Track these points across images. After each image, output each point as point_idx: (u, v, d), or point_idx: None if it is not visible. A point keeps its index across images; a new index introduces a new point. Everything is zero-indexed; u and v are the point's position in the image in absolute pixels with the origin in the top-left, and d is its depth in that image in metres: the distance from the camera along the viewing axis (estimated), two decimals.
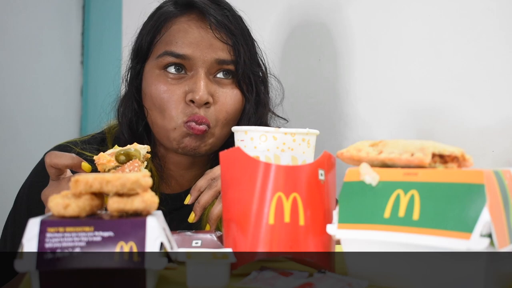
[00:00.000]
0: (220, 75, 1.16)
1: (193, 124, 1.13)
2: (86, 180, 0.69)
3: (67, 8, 2.11)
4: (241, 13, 1.23)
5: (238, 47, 1.16)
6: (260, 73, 1.22)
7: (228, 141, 1.21)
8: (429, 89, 1.28)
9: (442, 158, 0.75)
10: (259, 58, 1.24)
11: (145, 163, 0.93)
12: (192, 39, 1.15)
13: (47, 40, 2.05)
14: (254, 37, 1.24)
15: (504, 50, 1.17)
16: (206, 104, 1.14)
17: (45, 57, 2.04)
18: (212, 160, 1.24)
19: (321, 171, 0.80)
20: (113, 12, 2.07)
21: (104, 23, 2.11)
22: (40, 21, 2.03)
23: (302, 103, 1.52)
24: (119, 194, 0.70)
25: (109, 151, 0.92)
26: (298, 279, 0.73)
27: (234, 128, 0.90)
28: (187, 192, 1.23)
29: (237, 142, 0.89)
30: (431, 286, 0.70)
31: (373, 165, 0.77)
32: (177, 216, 1.17)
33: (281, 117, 1.28)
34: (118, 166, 0.91)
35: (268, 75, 1.26)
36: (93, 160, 0.91)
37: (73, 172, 0.96)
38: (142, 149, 0.92)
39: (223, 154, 0.82)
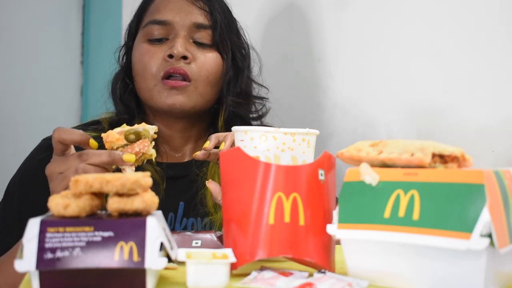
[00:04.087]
0: (199, 40, 1.24)
1: (169, 81, 1.19)
2: (86, 180, 0.70)
3: (67, 8, 2.11)
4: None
5: (215, 14, 1.25)
6: (239, 44, 1.29)
7: (214, 111, 1.28)
8: (429, 89, 1.28)
9: (442, 158, 0.75)
10: (240, 34, 1.32)
11: (153, 143, 0.93)
12: (173, 6, 1.25)
13: (47, 40, 2.05)
14: (241, 29, 1.32)
15: (504, 50, 1.17)
16: (185, 59, 1.20)
17: (45, 57, 2.04)
18: (206, 134, 1.29)
19: (321, 171, 0.80)
20: (113, 12, 2.07)
21: (104, 23, 2.11)
22: (40, 21, 2.03)
23: (302, 103, 1.52)
24: (119, 194, 0.70)
25: (118, 130, 0.92)
26: (298, 279, 0.73)
27: (234, 128, 0.90)
28: (184, 163, 1.27)
29: (237, 142, 0.89)
30: (431, 286, 0.70)
31: (373, 165, 0.77)
32: (173, 185, 1.20)
33: (262, 85, 1.34)
34: (126, 145, 0.91)
35: (250, 47, 1.33)
36: (100, 138, 0.91)
37: (79, 149, 0.95)
38: (150, 129, 0.93)
39: (223, 154, 0.82)
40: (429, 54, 1.28)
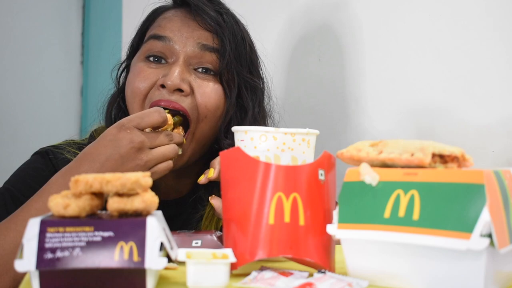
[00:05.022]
0: (200, 65, 1.10)
1: None
2: (86, 180, 0.69)
3: (67, 8, 2.11)
4: (241, 16, 1.20)
5: (224, 39, 1.10)
6: (250, 80, 1.14)
7: (212, 151, 1.14)
8: (429, 89, 1.28)
9: (442, 158, 0.75)
10: (255, 68, 1.17)
11: None
12: (176, 22, 1.12)
13: (47, 40, 2.05)
14: (256, 50, 1.19)
15: (504, 50, 1.17)
16: (181, 92, 1.07)
17: (45, 57, 2.04)
18: (204, 167, 1.16)
19: (321, 171, 0.80)
20: (113, 12, 2.07)
21: (104, 23, 2.11)
22: (40, 21, 2.03)
23: (302, 103, 1.52)
24: (119, 194, 0.70)
25: (168, 115, 1.01)
26: (298, 279, 0.73)
27: (234, 128, 0.90)
28: (180, 199, 1.19)
29: (237, 142, 0.89)
30: (431, 286, 0.70)
31: (373, 165, 0.77)
32: (168, 224, 1.13)
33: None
34: (173, 128, 1.04)
35: (265, 88, 1.19)
36: None
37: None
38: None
39: (223, 154, 0.82)
40: (429, 54, 1.28)
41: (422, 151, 0.73)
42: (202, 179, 0.99)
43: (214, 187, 1.08)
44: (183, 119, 1.08)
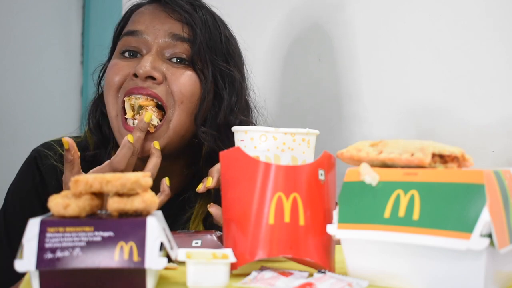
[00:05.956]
0: (173, 55, 1.10)
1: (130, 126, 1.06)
2: (86, 180, 0.70)
3: (67, 8, 2.11)
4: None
5: (194, 27, 1.10)
6: (225, 70, 1.13)
7: (193, 146, 1.13)
8: (429, 89, 1.28)
9: (442, 158, 0.75)
10: (233, 59, 1.16)
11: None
12: (147, 16, 1.12)
13: (47, 40, 2.05)
14: (238, 47, 1.19)
15: (503, 50, 1.17)
16: (153, 80, 1.06)
17: (45, 57, 2.04)
18: (188, 169, 1.15)
19: (321, 171, 0.80)
20: (113, 12, 2.07)
21: (104, 23, 2.11)
22: (40, 21, 2.03)
23: (302, 103, 1.52)
24: (119, 194, 0.70)
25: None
26: (298, 279, 0.73)
27: (234, 128, 0.90)
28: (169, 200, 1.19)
29: (237, 142, 0.89)
30: (431, 286, 0.70)
31: (373, 165, 0.77)
32: None
33: (251, 122, 1.18)
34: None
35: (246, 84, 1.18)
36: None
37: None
38: None
39: (223, 154, 0.82)
40: (429, 54, 1.28)
41: (422, 151, 0.73)
42: (200, 188, 0.97)
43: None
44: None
